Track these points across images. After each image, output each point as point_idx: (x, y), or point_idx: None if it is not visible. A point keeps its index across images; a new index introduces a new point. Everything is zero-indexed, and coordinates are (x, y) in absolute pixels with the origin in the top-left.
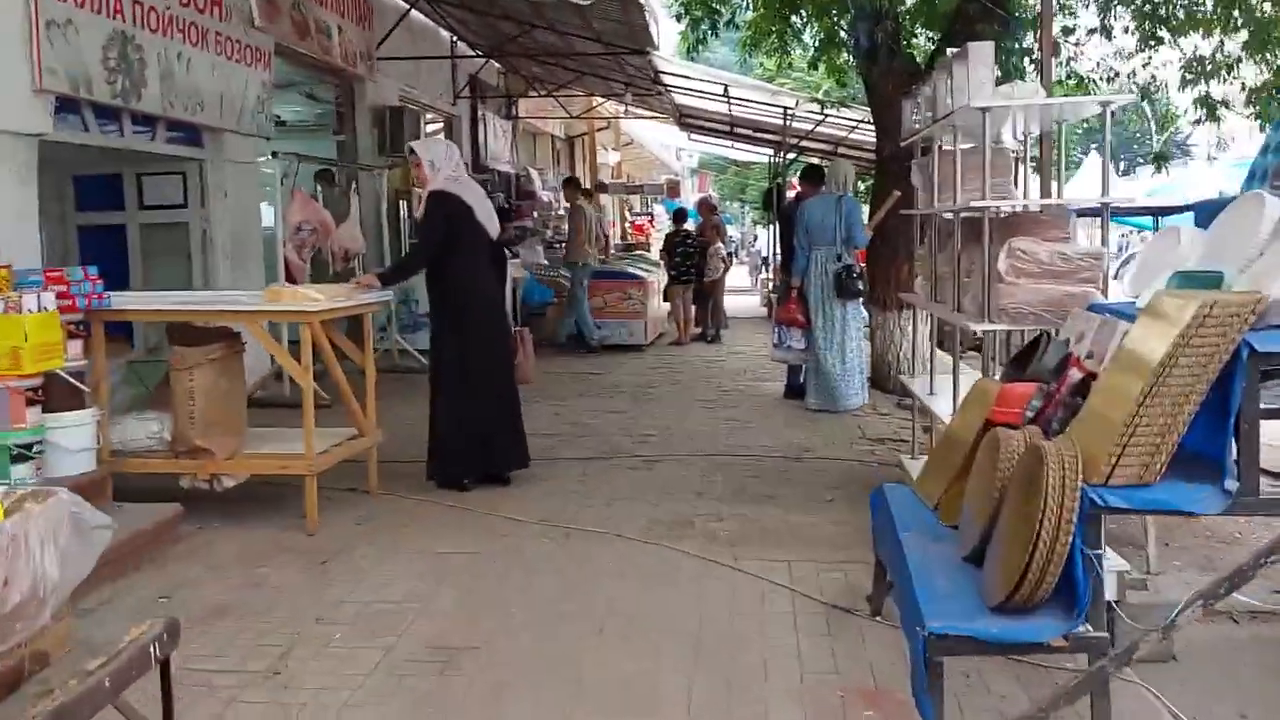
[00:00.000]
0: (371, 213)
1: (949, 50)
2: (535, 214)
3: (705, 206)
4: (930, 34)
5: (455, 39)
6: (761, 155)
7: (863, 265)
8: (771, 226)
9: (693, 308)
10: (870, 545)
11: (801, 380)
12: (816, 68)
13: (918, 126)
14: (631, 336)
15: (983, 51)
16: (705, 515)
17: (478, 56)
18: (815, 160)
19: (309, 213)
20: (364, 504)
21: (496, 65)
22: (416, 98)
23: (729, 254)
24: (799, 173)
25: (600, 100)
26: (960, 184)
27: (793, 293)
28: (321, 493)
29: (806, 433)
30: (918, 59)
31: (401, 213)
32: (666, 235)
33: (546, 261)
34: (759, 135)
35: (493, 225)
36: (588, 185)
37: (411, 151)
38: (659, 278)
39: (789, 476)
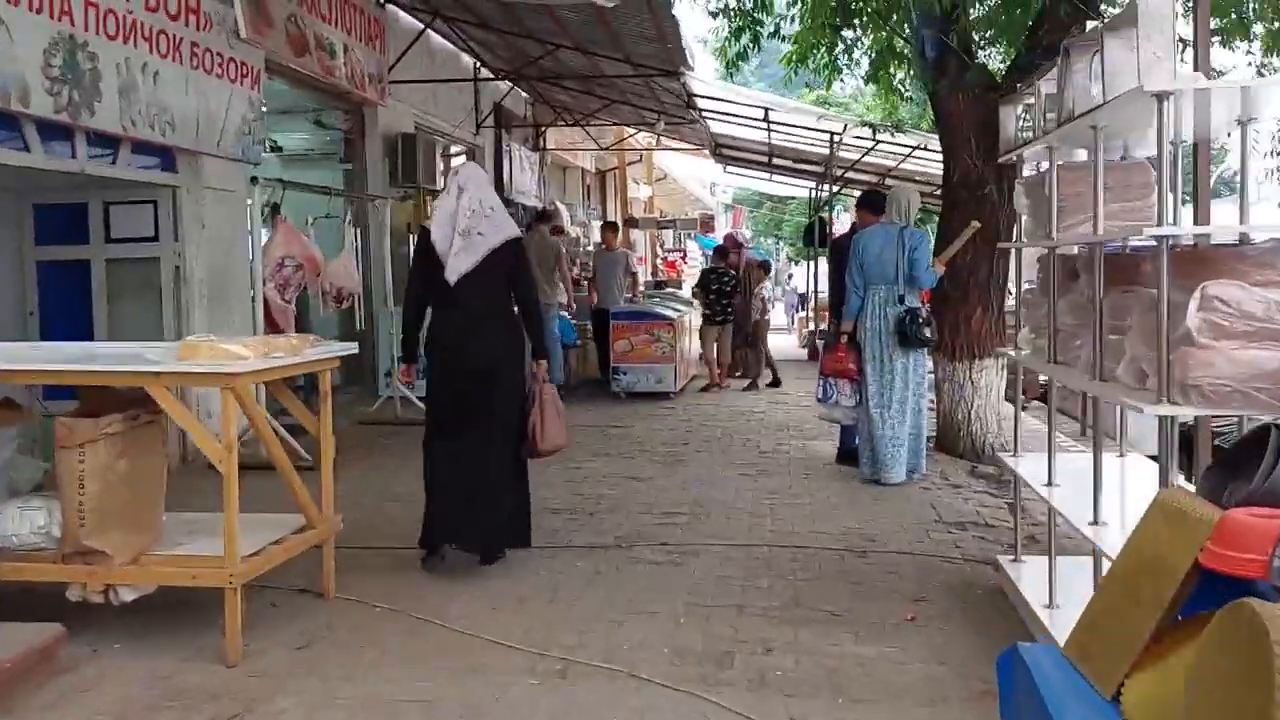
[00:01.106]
0: (377, 248)
1: (1085, 25)
2: (563, 249)
3: (730, 242)
4: (1000, 48)
5: (478, 64)
6: (801, 188)
7: (928, 309)
8: (811, 263)
9: (727, 351)
10: (978, 696)
11: (856, 442)
12: (876, 81)
13: (1027, 135)
14: (659, 383)
15: (1156, 14)
16: (749, 643)
17: (500, 79)
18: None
19: (293, 246)
20: (313, 614)
21: (524, 94)
22: (435, 125)
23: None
24: (857, 199)
25: (632, 132)
26: (1100, 206)
27: (843, 339)
28: (263, 595)
29: (868, 513)
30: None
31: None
32: (702, 271)
33: (573, 304)
34: (799, 166)
35: (456, 264)
36: (616, 220)
37: None
38: (691, 317)
39: (854, 579)
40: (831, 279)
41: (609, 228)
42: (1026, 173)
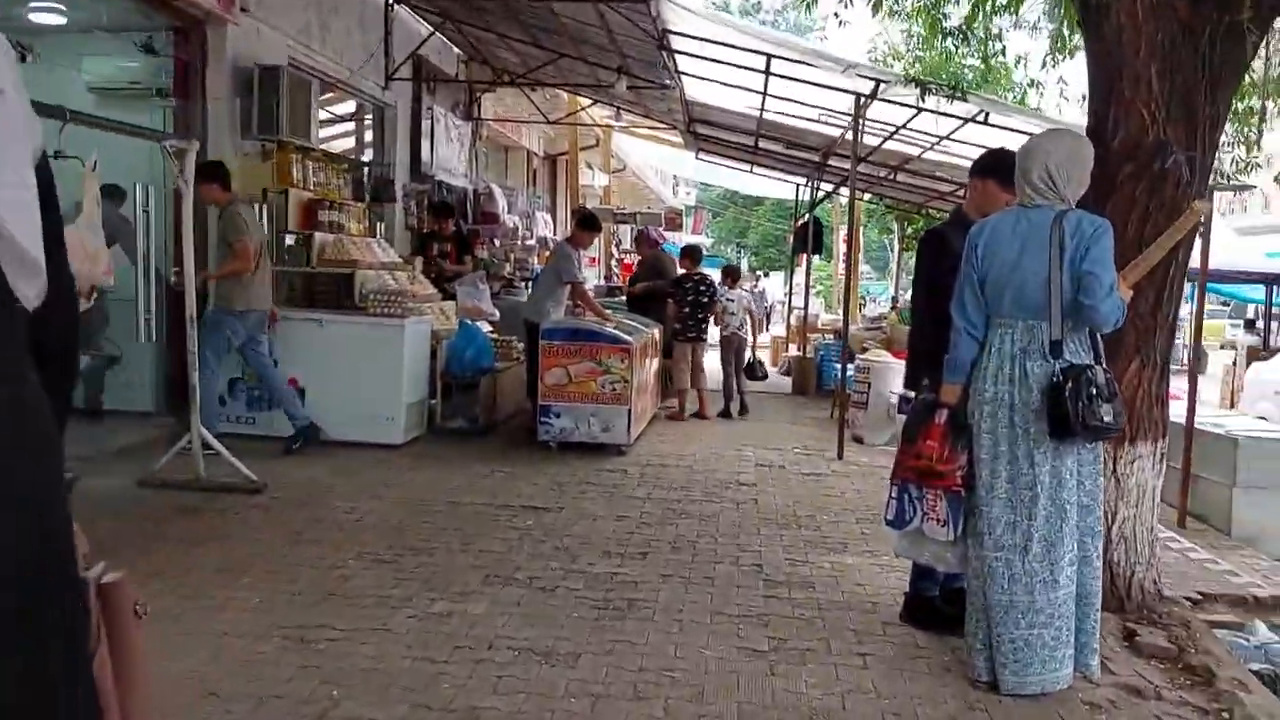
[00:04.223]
0: (173, 219)
1: None
2: (496, 241)
3: (645, 241)
4: None
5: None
6: (786, 185)
7: (1106, 367)
8: (787, 272)
9: (700, 375)
10: None
11: (936, 590)
12: None
13: None
14: (606, 432)
15: None
16: None
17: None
18: (860, 193)
19: None
20: None
21: (455, 49)
22: (318, 65)
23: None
24: (976, 162)
25: (587, 103)
26: None
27: (939, 416)
28: None
29: None
30: None
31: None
32: (676, 279)
33: (496, 311)
34: (792, 153)
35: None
36: (573, 209)
37: None
38: (649, 338)
39: None
40: (915, 303)
41: (587, 223)
42: None
